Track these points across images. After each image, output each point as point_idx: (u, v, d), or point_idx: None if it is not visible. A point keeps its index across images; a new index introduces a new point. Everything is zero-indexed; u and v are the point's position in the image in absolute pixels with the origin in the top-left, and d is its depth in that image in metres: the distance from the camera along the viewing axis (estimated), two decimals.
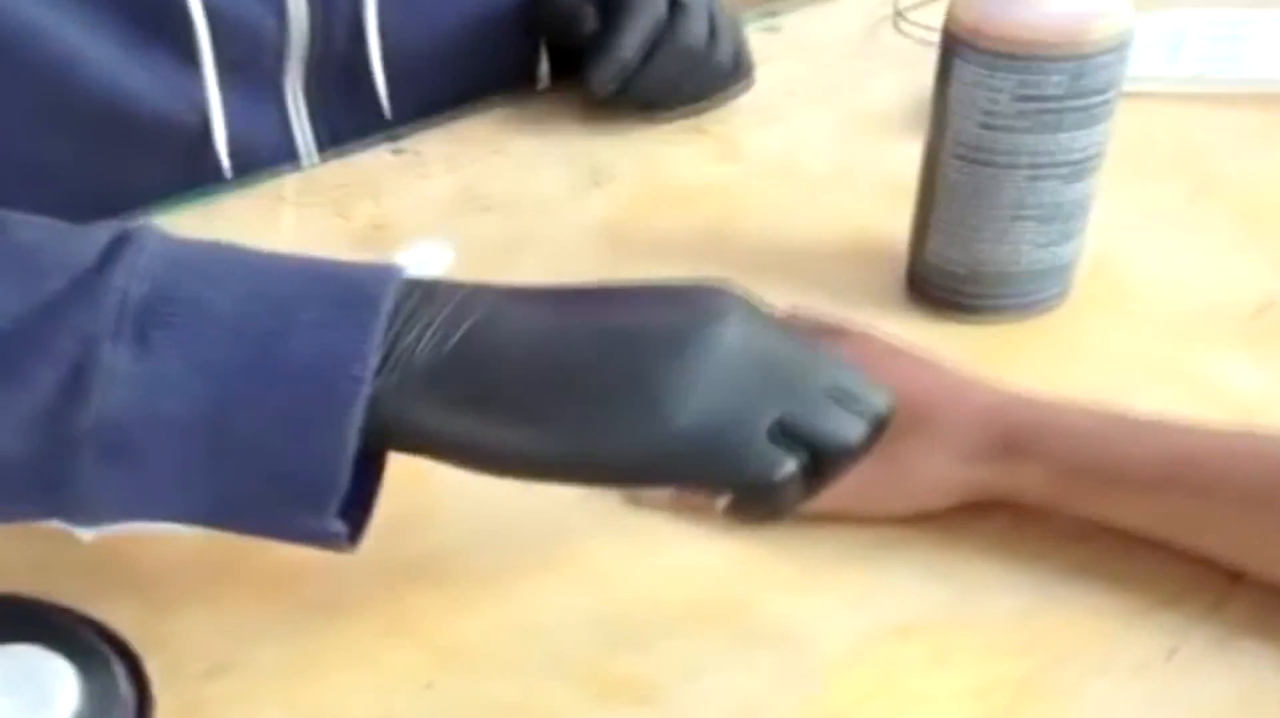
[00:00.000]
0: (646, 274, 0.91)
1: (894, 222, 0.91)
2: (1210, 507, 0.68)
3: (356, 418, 0.56)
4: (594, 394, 0.58)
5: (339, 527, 0.58)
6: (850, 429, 0.61)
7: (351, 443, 0.56)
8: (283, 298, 0.57)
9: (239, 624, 0.68)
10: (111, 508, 0.59)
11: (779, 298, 0.87)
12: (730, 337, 0.60)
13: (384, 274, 0.58)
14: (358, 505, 0.60)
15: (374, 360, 0.56)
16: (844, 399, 0.61)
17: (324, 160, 1.04)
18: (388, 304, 0.57)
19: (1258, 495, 0.67)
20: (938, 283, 0.88)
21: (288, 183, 1.02)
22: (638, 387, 0.58)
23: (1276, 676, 0.65)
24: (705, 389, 0.58)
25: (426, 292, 0.59)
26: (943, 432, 0.71)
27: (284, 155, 1.03)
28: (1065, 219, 0.85)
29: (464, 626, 0.68)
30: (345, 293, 0.57)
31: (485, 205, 1.01)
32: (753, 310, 0.62)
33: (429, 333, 0.57)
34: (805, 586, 0.69)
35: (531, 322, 0.59)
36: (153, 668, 0.63)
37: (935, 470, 0.71)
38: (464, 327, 0.58)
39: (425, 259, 0.92)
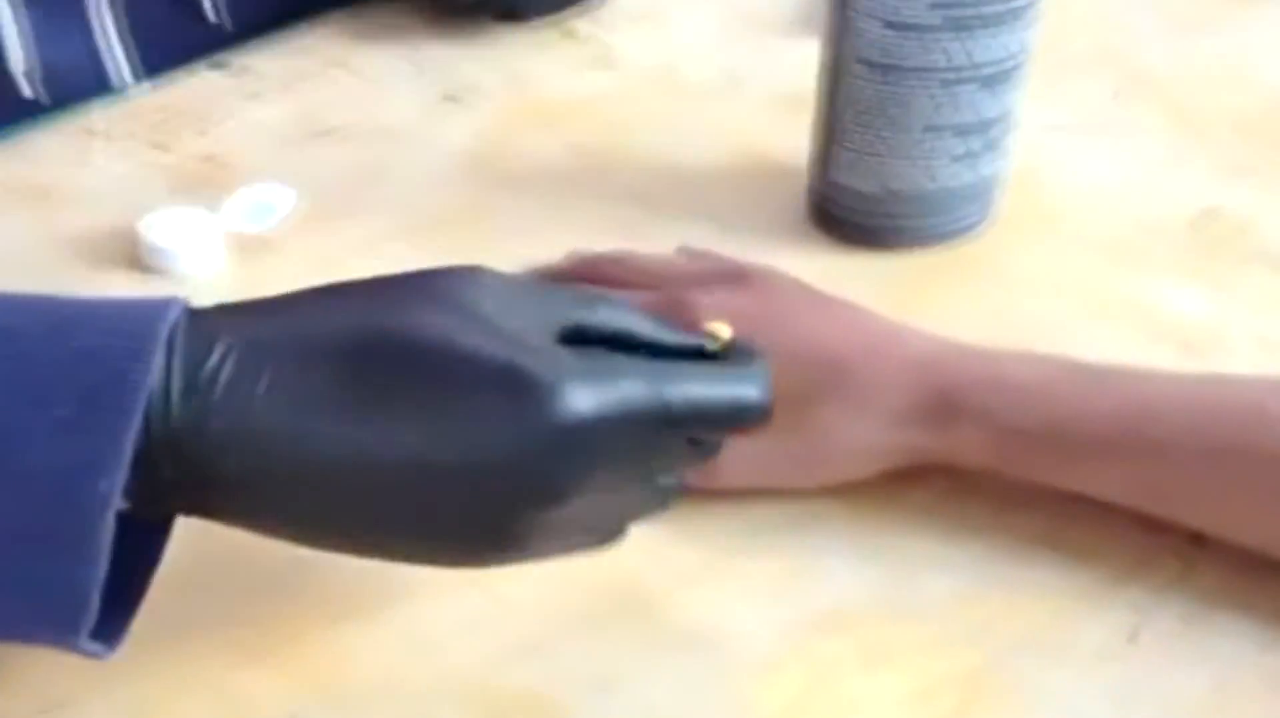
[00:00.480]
0: (516, 205, 0.86)
1: (791, 138, 0.85)
2: (1174, 466, 0.63)
3: (100, 540, 0.49)
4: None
5: (94, 647, 0.52)
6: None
7: (102, 563, 0.49)
8: (17, 383, 0.50)
9: (77, 659, 0.61)
10: None
11: (664, 230, 0.82)
12: (488, 279, 0.55)
13: (143, 346, 0.50)
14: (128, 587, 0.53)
15: (123, 470, 0.49)
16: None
17: (139, 85, 0.96)
18: (143, 393, 0.49)
19: (1227, 451, 0.62)
20: (845, 208, 0.83)
21: (98, 113, 0.94)
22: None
23: (1255, 651, 0.61)
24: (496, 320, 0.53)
25: (191, 335, 0.52)
26: (865, 390, 0.65)
27: (93, 82, 0.94)
28: (986, 132, 0.80)
29: (330, 645, 0.62)
30: (91, 382, 0.49)
31: (328, 131, 0.93)
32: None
33: (215, 382, 0.51)
34: (716, 575, 0.63)
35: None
36: None
37: (858, 435, 0.65)
38: (268, 368, 0.52)
39: (264, 203, 0.85)
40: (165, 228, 0.83)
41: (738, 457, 0.62)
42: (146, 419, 0.49)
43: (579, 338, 0.54)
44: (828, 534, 0.66)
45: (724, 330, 0.57)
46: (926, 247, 0.82)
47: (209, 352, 0.51)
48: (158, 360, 0.50)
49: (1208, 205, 0.86)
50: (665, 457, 0.56)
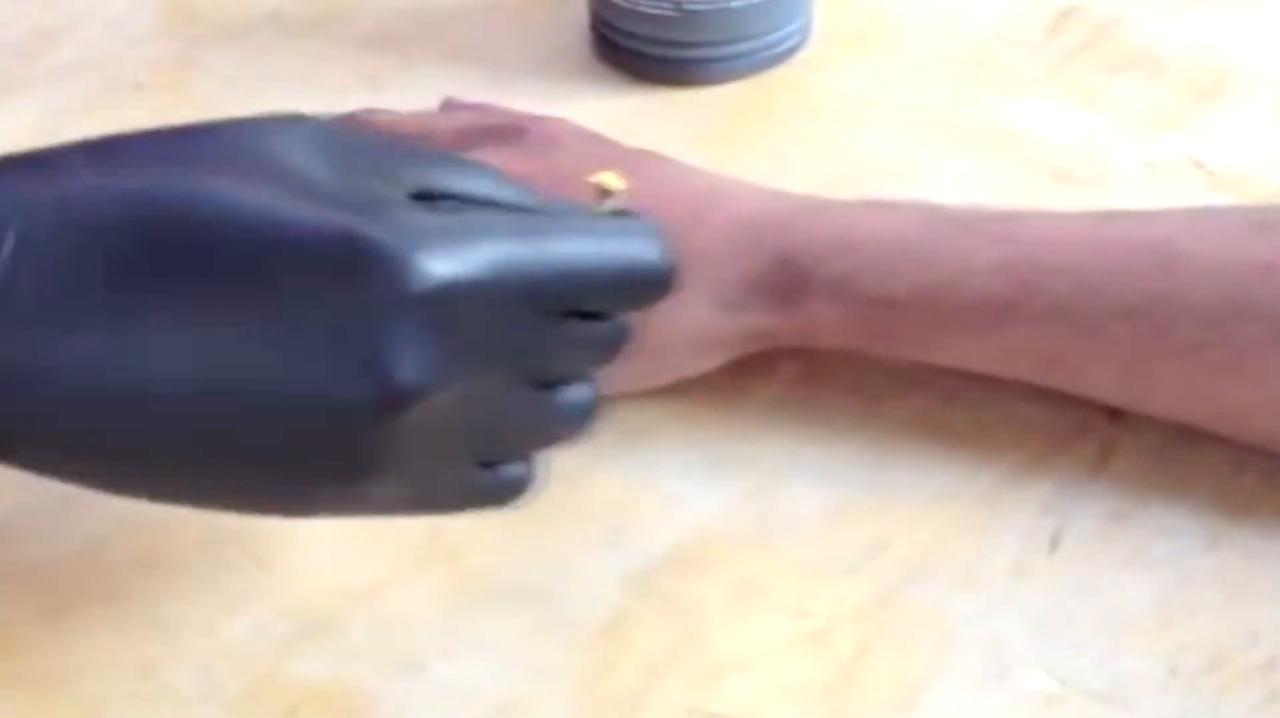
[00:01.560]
0: (231, 60, 0.76)
1: None
2: (1077, 329, 0.55)
3: None
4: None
5: None
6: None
7: None
8: None
9: None
10: None
11: (421, 79, 0.73)
12: (311, 132, 0.46)
13: None
14: None
15: None
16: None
17: None
18: None
19: (1138, 305, 0.54)
20: (633, 36, 0.74)
21: None
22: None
23: (1200, 549, 0.54)
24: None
25: None
26: (691, 267, 0.55)
27: None
28: None
29: (56, 648, 0.52)
30: None
31: None
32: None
33: None
34: (537, 516, 0.53)
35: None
36: None
37: (682, 323, 0.56)
38: (10, 233, 0.42)
39: None
40: None
41: None
42: None
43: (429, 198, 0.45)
44: (667, 448, 0.58)
45: (615, 181, 0.49)
46: (735, 79, 0.74)
47: None
48: None
49: (1066, 5, 0.78)
50: (555, 347, 0.47)
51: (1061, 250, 0.56)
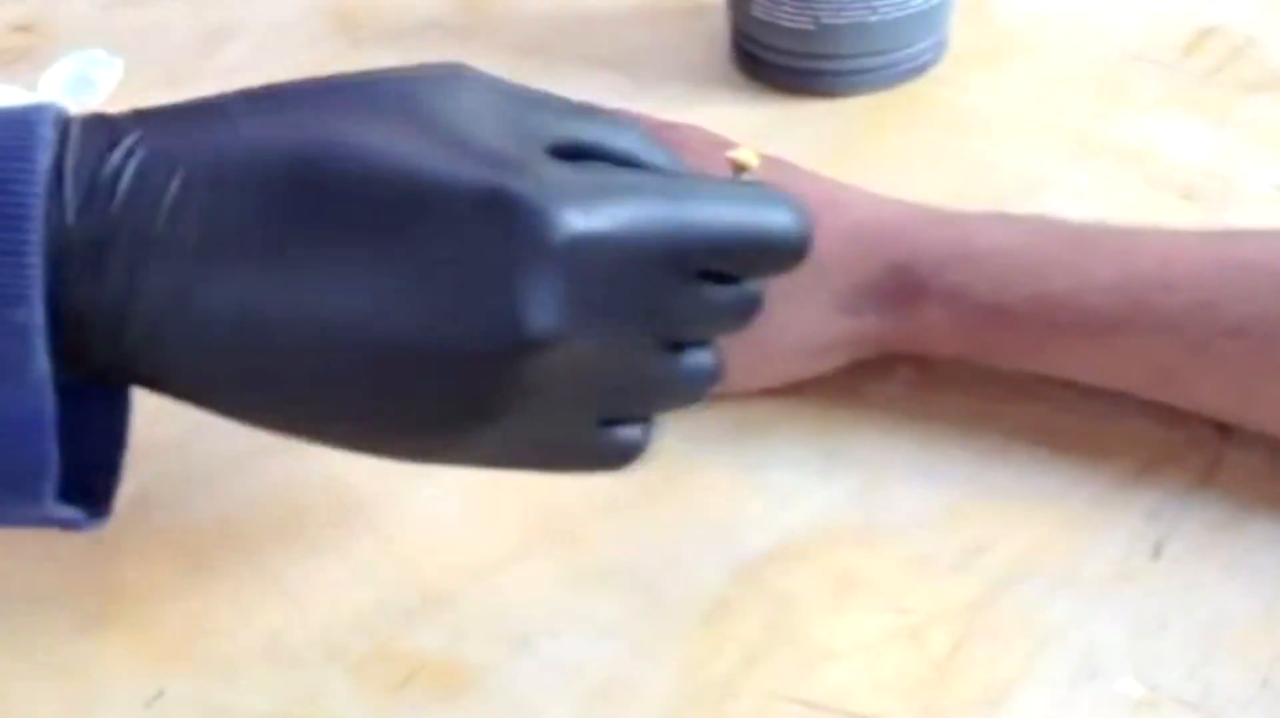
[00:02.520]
0: (399, 59, 0.77)
1: None
2: (1190, 345, 0.55)
3: (36, 376, 0.43)
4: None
5: (66, 513, 0.45)
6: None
7: (47, 407, 0.43)
8: None
9: None
10: None
11: (566, 85, 0.73)
12: (469, 82, 0.47)
13: (21, 141, 0.43)
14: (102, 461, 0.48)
15: (38, 294, 0.42)
16: None
17: None
18: (37, 202, 0.42)
19: (1253, 324, 0.55)
20: (772, 48, 0.76)
21: None
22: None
23: None
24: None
25: (97, 131, 0.44)
26: (810, 271, 0.56)
27: None
28: None
29: (201, 611, 0.55)
30: None
31: None
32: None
33: (114, 188, 0.43)
34: (652, 505, 0.56)
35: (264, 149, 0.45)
36: None
37: (800, 325, 0.58)
38: (177, 176, 0.44)
39: (87, 74, 0.77)
40: None
41: None
42: (51, 237, 0.42)
43: (573, 156, 0.46)
44: (782, 444, 0.59)
45: (750, 157, 0.50)
46: (871, 90, 0.75)
47: (109, 151, 0.44)
48: (42, 162, 0.43)
49: (1204, 25, 0.78)
50: (687, 309, 0.48)
51: (1177, 267, 0.56)
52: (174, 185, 0.44)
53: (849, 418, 0.60)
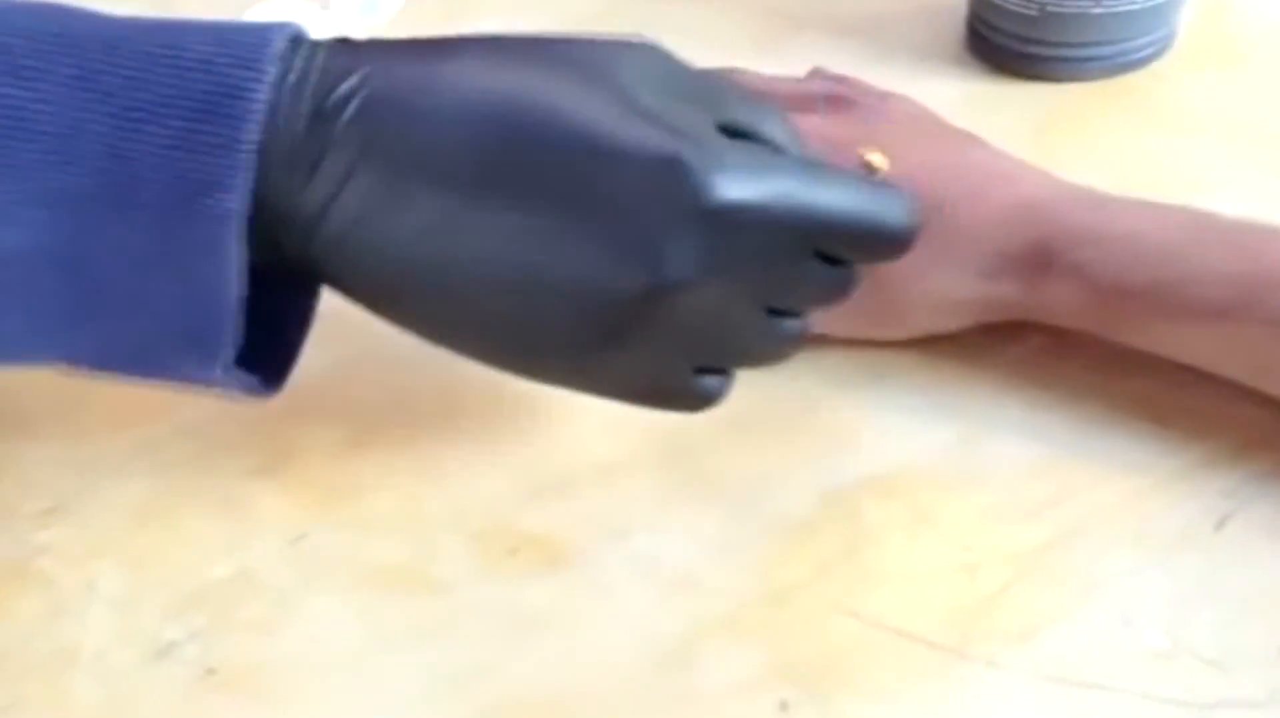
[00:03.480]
0: (653, 11, 0.85)
1: None
2: None
3: (228, 258, 0.50)
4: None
5: (242, 378, 0.53)
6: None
7: (232, 286, 0.50)
8: (126, 103, 0.50)
9: (89, 456, 0.63)
10: None
11: (805, 47, 0.80)
12: (659, 60, 0.54)
13: (256, 55, 0.50)
14: (282, 338, 0.56)
15: (244, 186, 0.49)
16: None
17: None
18: (258, 105, 0.50)
19: None
20: (1000, 31, 0.80)
21: None
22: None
23: None
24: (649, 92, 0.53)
25: (331, 58, 0.52)
26: (953, 237, 0.62)
27: None
28: None
29: (350, 470, 0.62)
30: (207, 96, 0.50)
31: None
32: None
33: (339, 113, 0.51)
34: (769, 431, 0.61)
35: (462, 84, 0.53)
36: None
37: (939, 286, 0.63)
38: (383, 97, 0.51)
39: (370, 4, 0.85)
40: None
41: None
42: (268, 138, 0.50)
43: (733, 135, 0.53)
44: (901, 390, 0.64)
45: (880, 161, 0.57)
46: (1092, 78, 0.79)
47: (347, 76, 0.51)
48: (271, 72, 0.50)
49: None
50: (795, 280, 0.55)
51: None
52: (393, 116, 0.51)
53: (970, 375, 0.64)
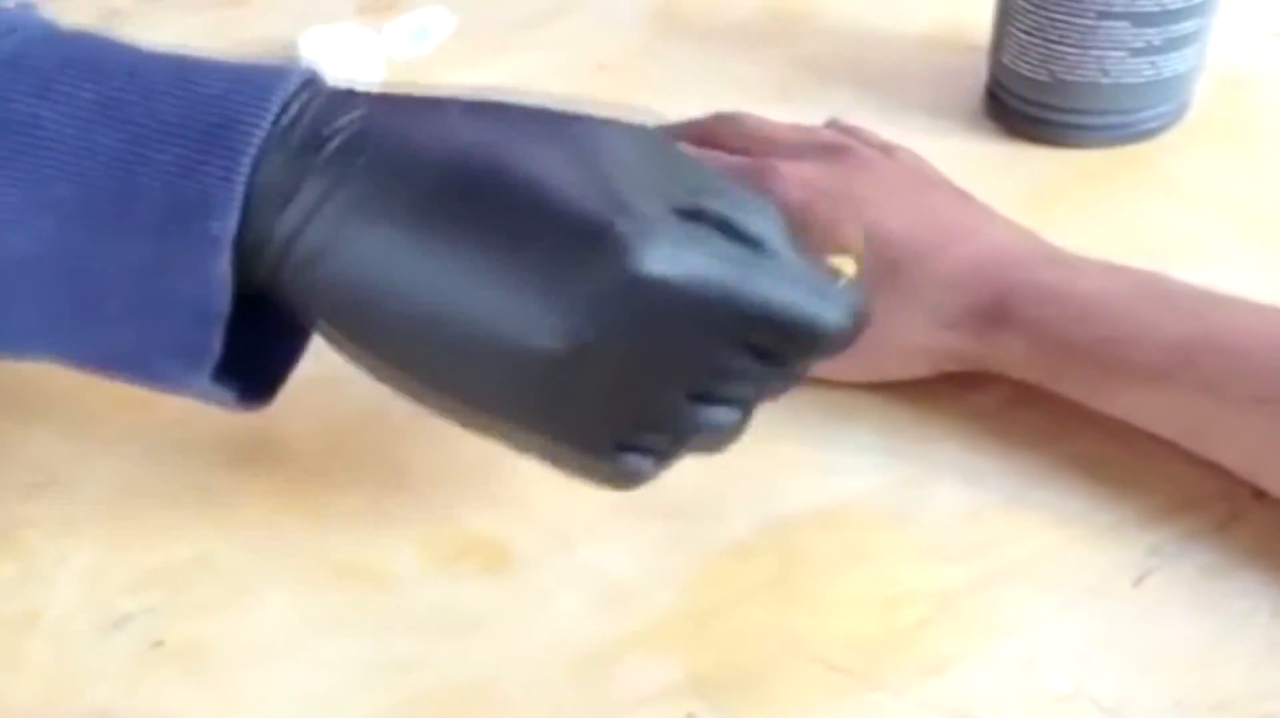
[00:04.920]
0: (687, 57, 0.89)
1: (985, 17, 0.85)
2: (1222, 408, 0.61)
3: (217, 278, 0.54)
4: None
5: (222, 392, 0.57)
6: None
7: (219, 303, 0.54)
8: (138, 129, 0.54)
9: (81, 436, 0.67)
10: None
11: (827, 99, 0.84)
12: (635, 137, 0.57)
13: (265, 94, 0.54)
14: (275, 357, 0.59)
15: (235, 212, 0.53)
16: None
17: None
18: (256, 139, 0.54)
19: (1275, 394, 0.60)
20: (1015, 96, 0.82)
21: None
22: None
23: (1267, 614, 0.59)
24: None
25: (329, 100, 0.55)
26: (920, 287, 0.65)
27: None
28: (1169, 23, 0.78)
29: (320, 468, 0.66)
30: (211, 128, 0.54)
31: None
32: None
33: (321, 149, 0.54)
34: (719, 459, 0.64)
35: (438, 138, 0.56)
36: None
37: (902, 333, 0.66)
38: (365, 137, 0.55)
39: (425, 26, 0.89)
40: (324, 45, 0.88)
41: None
42: (254, 170, 0.53)
43: (694, 217, 0.55)
44: (855, 429, 0.67)
45: (848, 266, 0.58)
46: (1099, 146, 0.81)
47: (339, 116, 0.55)
48: (273, 110, 0.54)
49: None
50: (727, 371, 0.55)
51: (1234, 335, 0.62)
52: (368, 153, 0.54)
53: (925, 420, 0.67)
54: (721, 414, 0.56)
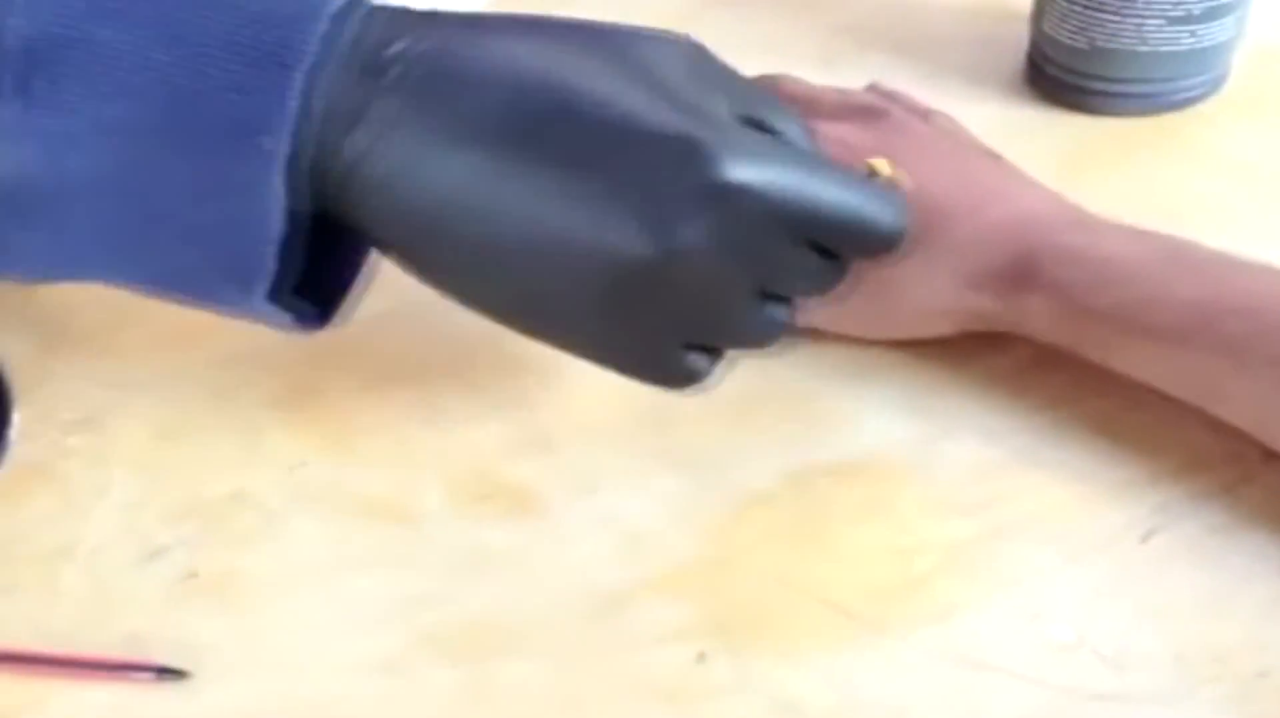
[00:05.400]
0: (727, 21, 0.90)
1: None
2: (1239, 369, 0.62)
3: (271, 195, 0.55)
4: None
5: (279, 314, 0.58)
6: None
7: (273, 222, 0.55)
8: (192, 47, 0.56)
9: (124, 375, 0.69)
10: (41, 269, 0.61)
11: (867, 64, 0.85)
12: (690, 50, 0.59)
13: (313, 11, 0.56)
14: (329, 280, 0.60)
15: (288, 129, 0.55)
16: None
17: None
18: (308, 56, 0.55)
19: None
20: (1054, 63, 0.84)
21: None
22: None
23: (1268, 572, 0.60)
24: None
25: (384, 22, 0.57)
26: (946, 248, 0.66)
27: None
28: None
29: (358, 409, 0.68)
30: (263, 44, 0.55)
31: None
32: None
33: (386, 71, 0.56)
34: (747, 410, 0.66)
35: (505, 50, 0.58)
36: (27, 412, 0.66)
37: (928, 293, 0.67)
38: (429, 61, 0.56)
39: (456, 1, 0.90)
40: None
41: None
42: (311, 90, 0.55)
43: (750, 125, 0.58)
44: (878, 385, 0.68)
45: (884, 167, 0.60)
46: (1135, 115, 0.82)
47: (395, 40, 0.56)
48: (321, 25, 0.55)
49: None
50: (791, 268, 0.58)
51: (1251, 297, 0.63)
52: (437, 77, 0.56)
53: (948, 379, 0.68)
54: (781, 311, 0.59)
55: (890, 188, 0.59)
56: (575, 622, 0.59)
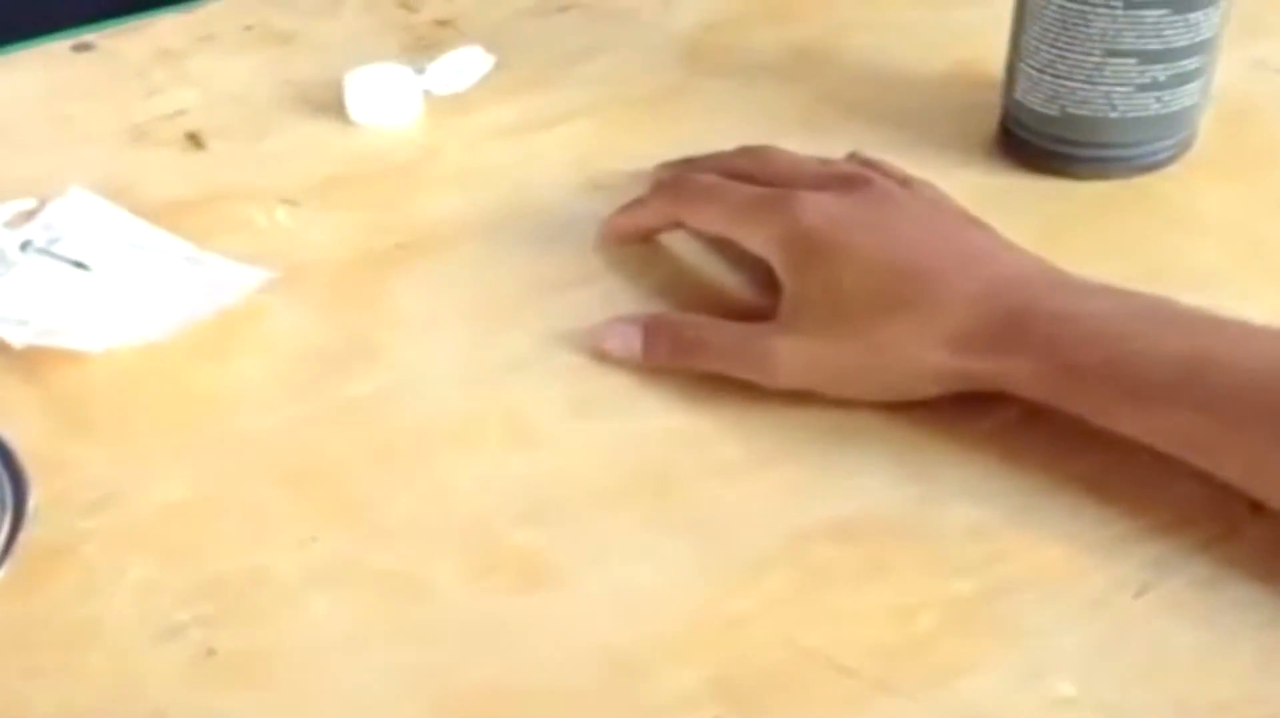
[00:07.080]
0: (727, 93, 0.91)
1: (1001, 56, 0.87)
2: (1227, 423, 0.62)
3: None
4: None
5: None
6: None
7: None
8: None
9: (138, 456, 0.70)
10: None
11: (851, 132, 0.86)
12: None
13: None
14: None
15: None
16: None
17: None
18: None
19: (1277, 406, 0.61)
20: (1026, 129, 0.84)
21: None
22: None
23: (1256, 625, 0.61)
24: None
25: None
26: (933, 310, 0.67)
27: None
28: (1175, 62, 0.79)
29: (367, 481, 0.68)
30: None
31: (563, 7, 0.99)
32: None
33: None
34: (747, 471, 0.66)
35: None
36: (44, 494, 0.66)
37: (915, 355, 0.67)
38: None
39: (463, 66, 0.92)
40: (368, 84, 0.90)
41: (797, 357, 0.67)
42: None
43: None
44: (870, 448, 0.68)
45: None
46: (1107, 178, 0.83)
47: None
48: None
49: None
50: None
51: (1234, 352, 0.63)
52: None
53: (941, 440, 0.69)
54: None
55: None
56: (591, 688, 0.60)
